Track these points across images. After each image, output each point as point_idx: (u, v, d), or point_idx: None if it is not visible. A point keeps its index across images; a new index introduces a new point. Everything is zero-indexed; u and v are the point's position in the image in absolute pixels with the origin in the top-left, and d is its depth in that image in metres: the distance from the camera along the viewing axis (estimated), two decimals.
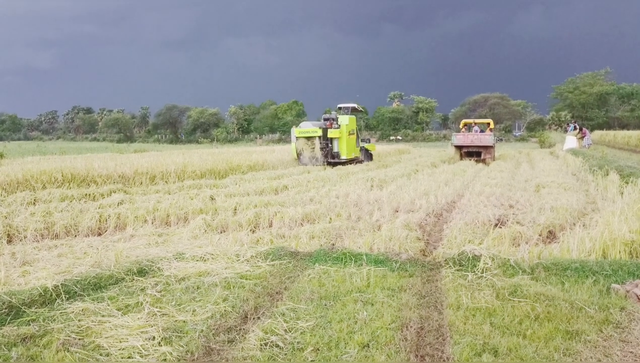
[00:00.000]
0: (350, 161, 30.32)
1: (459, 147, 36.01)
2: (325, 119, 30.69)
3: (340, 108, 32.53)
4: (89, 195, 16.78)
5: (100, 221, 12.66)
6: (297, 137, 29.94)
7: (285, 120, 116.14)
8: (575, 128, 43.02)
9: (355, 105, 32.61)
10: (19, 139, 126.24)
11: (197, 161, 24.74)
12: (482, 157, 34.42)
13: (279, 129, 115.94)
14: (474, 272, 7.56)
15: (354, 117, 31.38)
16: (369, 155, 33.83)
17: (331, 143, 29.90)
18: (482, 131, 36.83)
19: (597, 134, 59.99)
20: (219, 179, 22.19)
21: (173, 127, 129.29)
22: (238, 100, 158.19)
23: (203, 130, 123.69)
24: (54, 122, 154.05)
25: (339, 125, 29.69)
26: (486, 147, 34.57)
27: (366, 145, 34.03)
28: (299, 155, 30.04)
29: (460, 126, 39.74)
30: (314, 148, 29.37)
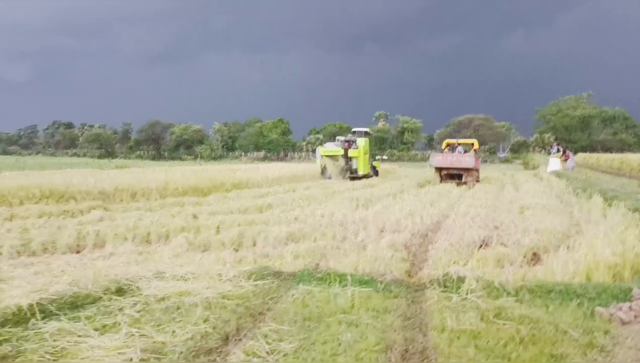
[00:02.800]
0: (365, 176, 35.94)
1: (439, 169, 34.29)
2: (345, 141, 36.83)
3: (354, 131, 38.43)
4: (68, 211, 16.51)
5: (78, 238, 12.34)
6: (322, 155, 36.35)
7: (271, 138, 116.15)
8: (558, 150, 43.23)
9: (368, 130, 39.47)
10: None
11: (179, 178, 24.51)
12: (463, 180, 32.77)
13: (264, 147, 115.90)
14: (459, 293, 7.50)
15: (368, 139, 37.64)
16: (375, 171, 39.62)
17: (350, 161, 35.87)
18: (465, 152, 36.09)
19: (581, 156, 60.30)
20: (202, 196, 21.93)
21: (156, 143, 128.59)
22: (221, 116, 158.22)
23: (187, 146, 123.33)
24: (33, 137, 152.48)
25: (357, 146, 35.90)
26: (468, 169, 32.94)
27: (374, 163, 40.07)
28: (323, 170, 36.03)
29: (443, 146, 38.52)
30: (336, 165, 35.44)
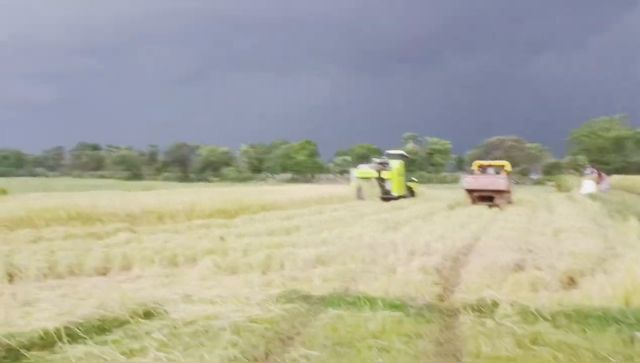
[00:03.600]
0: (399, 197, 36.41)
1: (470, 191, 34.34)
2: (379, 163, 37.95)
3: (389, 154, 40.43)
4: (94, 233, 16.37)
5: (105, 261, 12.25)
6: (357, 177, 37.30)
7: (298, 160, 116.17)
8: (592, 172, 42.78)
9: (403, 152, 42.20)
10: (23, 175, 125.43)
11: (206, 200, 24.43)
12: (495, 202, 32.45)
13: (291, 169, 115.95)
14: (493, 318, 7.32)
15: (403, 161, 38.95)
16: (412, 193, 40.25)
17: (384, 182, 36.68)
18: (497, 174, 35.79)
19: (615, 178, 59.50)
20: (229, 218, 21.73)
21: (183, 165, 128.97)
22: (248, 137, 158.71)
23: (213, 168, 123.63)
24: (59, 158, 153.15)
25: (391, 169, 37.05)
26: (500, 191, 32.77)
27: (410, 184, 40.76)
28: (357, 191, 36.20)
29: (474, 168, 38.46)
30: (370, 186, 36.25)
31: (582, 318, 7.30)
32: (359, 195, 36.04)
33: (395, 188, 36.83)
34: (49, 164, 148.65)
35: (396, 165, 37.56)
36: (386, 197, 36.01)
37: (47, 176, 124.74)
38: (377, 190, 36.48)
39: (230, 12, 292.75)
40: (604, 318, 7.22)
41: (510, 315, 7.34)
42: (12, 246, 13.51)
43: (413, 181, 42.80)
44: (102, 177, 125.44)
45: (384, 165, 37.51)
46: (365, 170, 37.83)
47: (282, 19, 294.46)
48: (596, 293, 8.55)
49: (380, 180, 36.77)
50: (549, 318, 7.31)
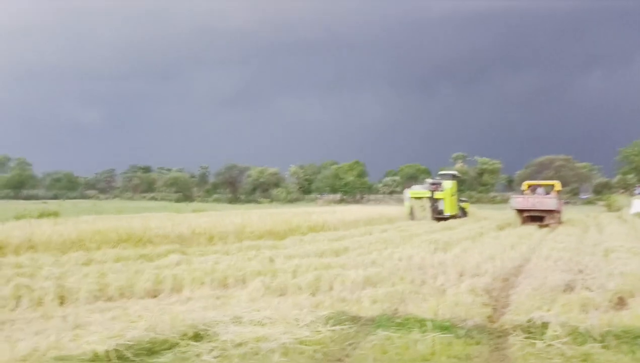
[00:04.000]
0: (452, 217, 37.13)
1: (520, 211, 34.21)
2: (432, 183, 39.03)
3: (441, 174, 41.41)
4: (145, 255, 16.54)
5: (156, 283, 12.28)
6: (410, 197, 38.65)
7: (347, 180, 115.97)
8: None
9: (455, 173, 43.82)
10: (75, 198, 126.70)
11: (256, 221, 24.57)
12: (545, 222, 32.22)
13: (340, 189, 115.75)
14: (543, 340, 7.29)
15: (455, 181, 39.89)
16: (464, 213, 40.93)
17: (437, 202, 37.55)
18: (547, 194, 35.42)
19: None
20: (279, 240, 21.87)
21: (233, 187, 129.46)
22: (297, 158, 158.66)
23: (263, 189, 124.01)
24: (111, 181, 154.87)
25: (443, 189, 38.00)
26: (550, 211, 32.63)
27: (462, 204, 41.74)
28: (410, 211, 37.97)
29: (523, 188, 38.14)
30: (423, 206, 37.40)
31: (632, 338, 7.25)
32: (412, 215, 37.43)
33: (447, 208, 37.64)
34: (101, 186, 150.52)
35: (449, 185, 38.44)
36: (439, 216, 36.75)
37: (98, 198, 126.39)
38: (430, 210, 37.26)
39: (279, 32, 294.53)
40: None
41: (560, 336, 7.30)
42: (64, 269, 13.77)
43: (464, 201, 43.77)
44: (153, 199, 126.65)
45: (436, 186, 38.37)
46: (418, 190, 39.17)
47: (330, 40, 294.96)
48: None
49: (433, 200, 37.57)
50: (599, 339, 7.26)
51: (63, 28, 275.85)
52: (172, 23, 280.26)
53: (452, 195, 38.80)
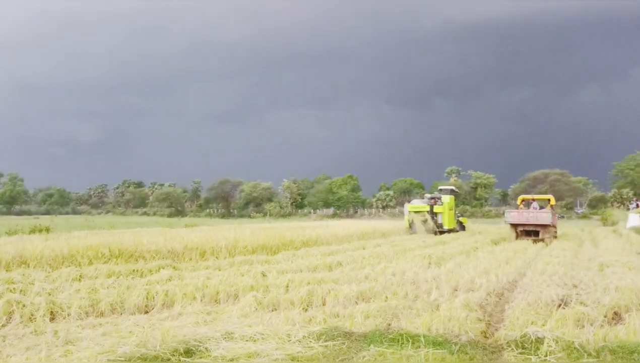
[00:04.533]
0: (450, 230, 38.92)
1: (514, 225, 33.91)
2: (431, 198, 40.69)
3: (441, 189, 42.85)
4: (137, 271, 16.51)
5: (147, 298, 12.23)
6: (409, 211, 40.18)
7: (340, 195, 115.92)
8: (638, 205, 42.15)
9: (453, 188, 44.72)
10: (67, 213, 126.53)
11: (248, 236, 24.46)
12: (540, 237, 31.99)
13: (333, 204, 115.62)
14: (538, 355, 7.23)
15: (453, 196, 41.64)
16: (462, 227, 42.78)
17: (436, 216, 39.24)
18: (541, 208, 35.41)
19: None
20: (271, 254, 21.83)
21: (225, 201, 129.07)
22: (290, 173, 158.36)
23: (256, 204, 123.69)
24: (103, 196, 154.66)
25: (442, 203, 39.67)
26: (544, 226, 32.37)
27: (460, 219, 43.79)
28: (410, 225, 39.41)
29: (518, 202, 38.14)
30: (423, 220, 38.78)
31: (627, 353, 7.22)
32: (412, 229, 38.97)
33: (446, 221, 39.32)
34: (93, 202, 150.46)
35: (447, 199, 40.16)
36: (438, 230, 38.47)
37: (90, 214, 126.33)
38: (429, 224, 38.75)
39: (274, 47, 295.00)
40: None
41: (555, 352, 7.26)
42: (55, 284, 13.73)
43: (461, 215, 46.05)
44: (146, 214, 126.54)
45: (435, 200, 40.06)
46: (418, 204, 40.93)
47: (325, 55, 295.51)
48: None
49: (433, 214, 39.21)
50: (594, 354, 7.21)
51: (57, 43, 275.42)
52: (166, 38, 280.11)
53: (451, 209, 40.34)
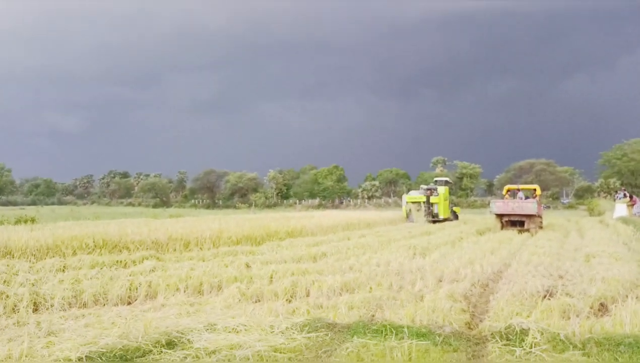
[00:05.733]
0: (445, 220, 40.92)
1: (499, 216, 33.73)
2: (427, 189, 42.05)
3: (436, 181, 46.02)
4: (121, 261, 16.44)
5: (130, 289, 12.19)
6: (407, 202, 42.43)
7: (326, 185, 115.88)
8: (625, 196, 42.19)
9: (448, 179, 48.14)
10: (52, 204, 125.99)
11: (233, 227, 24.35)
12: (525, 227, 31.89)
13: (319, 195, 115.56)
14: (522, 347, 7.16)
15: (447, 187, 43.80)
16: (456, 216, 44.67)
17: (432, 206, 40.87)
18: (527, 198, 35.35)
19: None
20: (256, 245, 21.77)
21: (211, 192, 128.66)
22: (276, 163, 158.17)
23: (241, 194, 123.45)
24: (89, 187, 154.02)
25: (438, 194, 41.38)
26: (530, 216, 32.31)
27: (454, 208, 45.67)
28: (407, 214, 41.90)
29: (504, 192, 38.18)
30: (419, 210, 40.46)
31: (614, 345, 7.16)
32: (409, 218, 41.20)
33: (441, 211, 41.18)
34: (79, 192, 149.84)
35: (442, 190, 42.06)
36: (434, 219, 40.12)
37: (76, 204, 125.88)
38: (426, 213, 40.24)
39: (257, 35, 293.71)
40: (635, 346, 7.10)
41: (540, 343, 7.19)
42: (39, 275, 13.65)
43: (456, 205, 48.19)
44: (131, 204, 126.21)
45: (431, 191, 41.59)
46: (415, 195, 42.55)
47: (309, 44, 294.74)
48: (628, 319, 8.37)
49: (429, 204, 40.70)
50: (580, 346, 7.16)
51: (39, 32, 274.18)
52: (149, 27, 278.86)
53: (446, 200, 42.25)
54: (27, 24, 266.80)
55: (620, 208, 40.45)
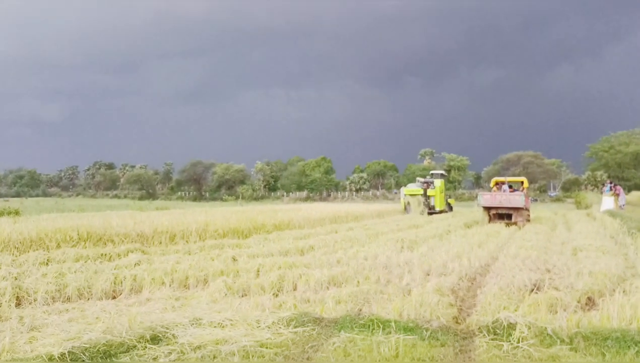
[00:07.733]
0: (441, 211, 43.49)
1: (487, 208, 33.56)
2: (424, 182, 44.48)
3: (432, 174, 47.67)
4: (105, 255, 16.30)
5: (115, 283, 12.03)
6: (405, 194, 44.61)
7: (313, 177, 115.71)
8: (611, 189, 42.31)
9: (444, 172, 50.26)
10: (37, 195, 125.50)
11: (220, 220, 24.28)
12: (512, 220, 31.84)
13: (306, 187, 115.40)
14: (510, 341, 7.15)
15: (443, 180, 46.55)
16: (450, 208, 47.69)
17: (429, 199, 43.30)
18: (515, 191, 35.38)
19: (635, 195, 58.80)
20: (243, 238, 21.77)
21: (197, 184, 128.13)
22: (262, 154, 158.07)
23: (228, 186, 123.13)
24: (74, 178, 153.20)
25: (434, 187, 43.95)
26: (517, 209, 32.05)
27: (449, 200, 48.79)
28: (405, 207, 43.98)
29: (491, 185, 38.10)
30: (417, 202, 42.63)
31: (601, 340, 7.15)
32: (407, 210, 43.35)
33: (437, 203, 43.69)
34: (63, 184, 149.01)
35: (438, 183, 44.66)
36: (430, 211, 42.59)
37: (61, 196, 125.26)
38: (423, 205, 42.57)
39: (245, 27, 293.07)
40: (623, 340, 7.09)
41: (527, 338, 7.18)
42: (22, 268, 13.48)
43: (450, 197, 51.71)
44: (116, 196, 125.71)
45: (428, 184, 44.19)
46: (413, 188, 44.68)
47: (294, 31, 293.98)
48: (615, 314, 8.37)
49: (426, 196, 43.24)
50: (567, 340, 7.15)
51: (24, 22, 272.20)
52: (130, 11, 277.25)
53: (441, 192, 45.07)
54: (4, 9, 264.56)
55: (608, 201, 40.56)
